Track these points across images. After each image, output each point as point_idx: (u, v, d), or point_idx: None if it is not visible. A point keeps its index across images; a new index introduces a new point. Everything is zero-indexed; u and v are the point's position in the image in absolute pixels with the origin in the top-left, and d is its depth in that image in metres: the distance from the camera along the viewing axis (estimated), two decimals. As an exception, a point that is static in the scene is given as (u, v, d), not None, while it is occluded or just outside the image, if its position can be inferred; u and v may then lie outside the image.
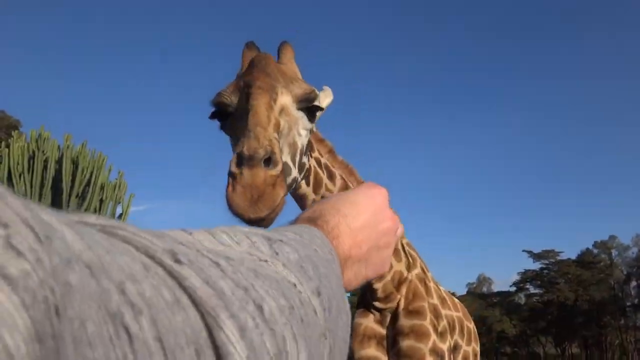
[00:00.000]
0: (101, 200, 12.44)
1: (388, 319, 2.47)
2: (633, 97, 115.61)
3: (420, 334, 2.46)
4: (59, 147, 12.86)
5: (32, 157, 12.39)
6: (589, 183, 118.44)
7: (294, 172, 1.93)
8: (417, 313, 2.49)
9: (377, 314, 2.48)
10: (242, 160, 1.58)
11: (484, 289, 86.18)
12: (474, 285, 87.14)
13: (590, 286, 65.96)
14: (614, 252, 71.52)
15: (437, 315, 2.64)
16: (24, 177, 12.07)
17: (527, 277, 73.88)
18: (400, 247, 2.40)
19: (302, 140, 1.96)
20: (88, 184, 12.22)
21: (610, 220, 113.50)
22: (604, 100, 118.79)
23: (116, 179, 13.05)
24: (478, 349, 3.17)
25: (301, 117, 1.94)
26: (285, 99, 1.87)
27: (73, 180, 12.06)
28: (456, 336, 2.87)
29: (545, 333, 72.01)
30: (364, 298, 2.47)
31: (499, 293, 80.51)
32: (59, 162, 12.42)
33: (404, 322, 2.43)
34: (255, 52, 2.13)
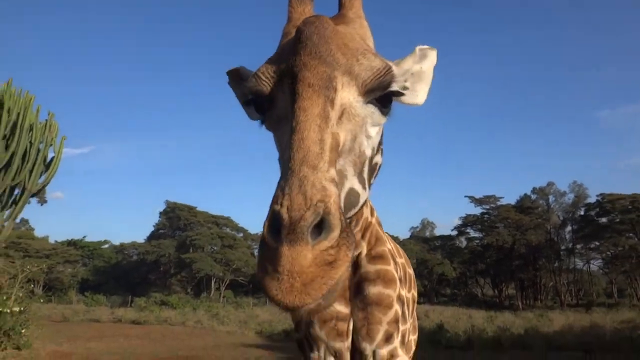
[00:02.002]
0: (30, 143, 11.54)
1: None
2: (573, 39, 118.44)
3: (387, 280, 2.35)
4: (-19, 86, 12.35)
5: (-48, 99, 11.66)
6: (529, 130, 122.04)
7: (364, 195, 1.65)
8: (381, 258, 2.37)
9: None
10: (279, 229, 1.27)
11: (427, 233, 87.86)
12: (418, 230, 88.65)
13: (528, 230, 67.95)
14: (551, 198, 74.21)
15: (394, 260, 2.53)
16: (-56, 119, 11.34)
17: (468, 222, 75.98)
18: None
19: (372, 143, 1.65)
20: (15, 125, 11.27)
21: (549, 168, 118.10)
22: (545, 42, 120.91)
23: (46, 120, 12.27)
24: (416, 295, 3.19)
25: (370, 114, 1.60)
26: (347, 95, 1.51)
27: None
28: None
29: (484, 275, 74.42)
30: None
31: (441, 237, 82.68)
32: (-18, 102, 11.88)
33: (369, 267, 2.32)
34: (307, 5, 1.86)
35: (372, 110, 1.59)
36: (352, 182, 1.54)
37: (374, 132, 1.63)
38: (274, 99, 1.59)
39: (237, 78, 1.99)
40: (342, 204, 1.42)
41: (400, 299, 2.57)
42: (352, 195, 1.56)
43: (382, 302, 2.42)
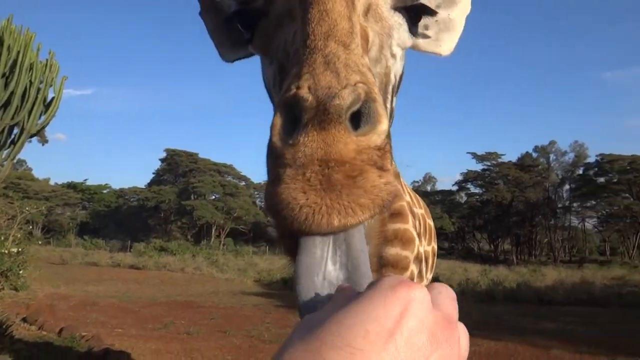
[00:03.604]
0: (30, 82, 11.18)
1: None
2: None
3: (405, 241, 2.13)
4: (-20, 23, 12.14)
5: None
6: (534, 89, 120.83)
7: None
8: (399, 215, 2.13)
9: None
10: (300, 116, 0.84)
11: (429, 188, 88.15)
12: (419, 184, 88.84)
13: (527, 188, 68.10)
14: (552, 157, 73.97)
15: (412, 214, 2.33)
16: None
17: (468, 177, 76.07)
18: None
19: (396, 70, 1.26)
20: (15, 63, 10.92)
21: (551, 127, 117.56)
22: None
23: (46, 59, 11.87)
24: (436, 247, 3.06)
25: (397, 26, 1.24)
26: None
27: None
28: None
29: (481, 230, 75.20)
30: None
31: (441, 192, 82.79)
32: (-19, 39, 11.68)
33: (387, 226, 1.96)
34: None
35: (400, 22, 1.24)
36: None
37: (399, 53, 1.26)
38: (266, 8, 1.20)
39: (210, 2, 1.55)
40: None
41: (418, 258, 2.40)
42: None
43: (399, 264, 2.24)
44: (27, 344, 7.37)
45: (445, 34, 1.49)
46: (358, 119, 0.84)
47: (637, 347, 10.88)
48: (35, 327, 9.97)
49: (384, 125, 0.84)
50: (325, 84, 0.82)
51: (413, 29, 1.28)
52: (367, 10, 1.11)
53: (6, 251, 17.32)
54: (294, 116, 0.84)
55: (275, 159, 0.85)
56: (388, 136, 0.86)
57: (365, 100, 0.83)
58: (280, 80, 1.09)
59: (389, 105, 1.21)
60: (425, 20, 1.43)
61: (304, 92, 0.82)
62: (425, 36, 1.46)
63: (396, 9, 1.22)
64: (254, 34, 1.25)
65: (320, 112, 0.80)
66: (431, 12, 1.37)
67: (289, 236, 0.89)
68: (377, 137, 0.83)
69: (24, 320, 10.40)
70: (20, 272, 17.87)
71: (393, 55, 1.22)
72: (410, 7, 1.24)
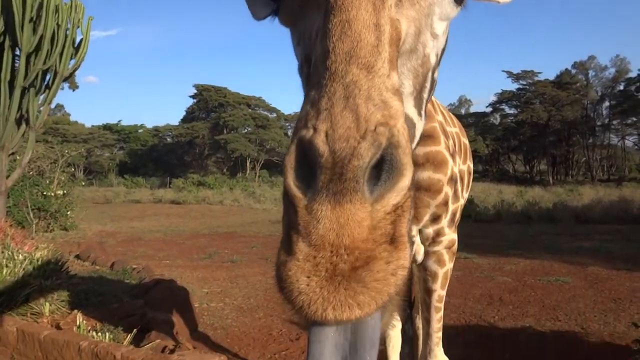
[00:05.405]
0: (57, 25, 11.13)
1: None
2: None
3: (437, 163, 2.17)
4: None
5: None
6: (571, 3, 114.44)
7: (419, 126, 1.11)
8: (430, 138, 2.15)
9: None
10: (315, 171, 0.79)
11: (463, 111, 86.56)
12: (454, 107, 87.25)
13: (564, 106, 66.31)
14: (591, 73, 71.18)
15: (445, 134, 2.33)
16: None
17: (503, 98, 74.37)
18: None
19: (437, 46, 1.11)
20: (40, 7, 10.84)
21: (591, 42, 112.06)
22: None
23: (71, 1, 11.75)
24: (472, 165, 3.01)
25: (439, 0, 1.06)
26: None
27: (24, 3, 10.56)
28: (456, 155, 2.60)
29: (516, 152, 74.12)
30: None
31: (474, 114, 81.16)
32: (6, -17, 11.67)
33: (417, 150, 1.97)
34: None
35: None
36: (407, 105, 1.02)
37: (441, 29, 1.11)
38: None
39: None
40: None
41: (452, 178, 2.40)
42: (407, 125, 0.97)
43: (432, 187, 2.28)
44: (83, 278, 7.80)
45: None
46: (380, 168, 0.80)
47: (674, 261, 10.90)
48: (88, 262, 10.51)
49: (406, 180, 0.80)
50: (343, 133, 0.77)
51: None
52: None
53: (52, 194, 18.04)
54: (309, 159, 0.80)
55: (288, 204, 0.83)
56: (410, 187, 0.82)
57: (386, 147, 0.78)
58: (307, 74, 1.01)
59: (426, 96, 1.12)
60: None
61: (320, 143, 0.78)
62: None
63: None
64: (281, 7, 1.14)
65: (337, 177, 0.77)
66: None
67: None
68: (395, 196, 0.79)
69: (77, 257, 10.93)
70: (68, 212, 18.68)
71: (434, 35, 1.09)
72: None
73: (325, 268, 0.77)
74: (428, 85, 1.11)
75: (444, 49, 1.19)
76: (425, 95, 1.11)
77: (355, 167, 0.76)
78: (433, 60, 1.10)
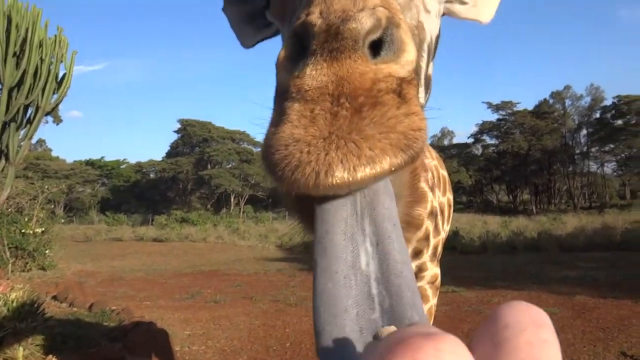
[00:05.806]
0: (41, 59, 11.12)
1: None
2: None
3: (418, 198, 1.82)
4: (-13, 1, 12.13)
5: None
6: (549, 34, 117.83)
7: (420, 94, 1.00)
8: None
9: None
10: (308, 44, 0.70)
11: (446, 142, 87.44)
12: (437, 138, 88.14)
13: (544, 135, 67.43)
14: (567, 102, 72.74)
15: (424, 167, 2.26)
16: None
17: (484, 129, 75.44)
18: None
19: (431, 24, 1.05)
20: (24, 41, 10.86)
21: (567, 73, 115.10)
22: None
23: (55, 35, 11.74)
24: (452, 197, 2.92)
25: None
26: None
27: (8, 38, 10.62)
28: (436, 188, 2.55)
29: (499, 181, 74.80)
30: None
31: (457, 145, 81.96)
32: (-10, 17, 11.69)
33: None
34: None
35: None
36: None
37: (434, 10, 1.07)
38: None
39: None
40: None
41: (433, 212, 2.36)
42: None
43: (412, 222, 2.15)
44: (60, 321, 7.55)
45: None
46: (378, 48, 0.70)
47: (660, 288, 10.89)
48: (65, 304, 10.22)
49: (409, 55, 0.71)
50: (339, 7, 0.68)
51: None
52: None
53: (31, 232, 17.63)
54: (303, 47, 0.71)
55: (279, 95, 0.73)
56: (415, 71, 0.73)
57: (386, 26, 0.69)
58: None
59: (423, 66, 1.03)
60: None
61: (314, 17, 0.69)
62: (463, 2, 1.31)
63: None
64: (269, 1, 1.13)
65: (332, 37, 0.67)
66: None
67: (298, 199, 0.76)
68: (399, 68, 0.70)
69: (54, 298, 10.64)
70: (47, 251, 18.21)
71: (427, 10, 1.03)
72: None
73: (324, 117, 0.66)
74: (425, 55, 1.02)
75: (437, 37, 1.13)
76: (423, 65, 1.01)
77: (353, 29, 0.67)
78: (427, 34, 1.03)
